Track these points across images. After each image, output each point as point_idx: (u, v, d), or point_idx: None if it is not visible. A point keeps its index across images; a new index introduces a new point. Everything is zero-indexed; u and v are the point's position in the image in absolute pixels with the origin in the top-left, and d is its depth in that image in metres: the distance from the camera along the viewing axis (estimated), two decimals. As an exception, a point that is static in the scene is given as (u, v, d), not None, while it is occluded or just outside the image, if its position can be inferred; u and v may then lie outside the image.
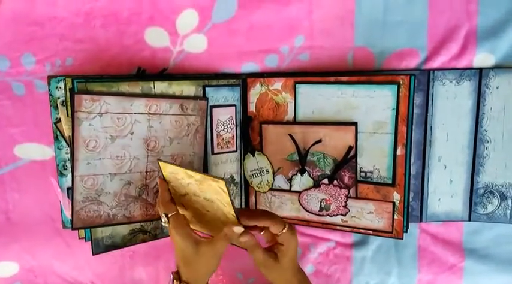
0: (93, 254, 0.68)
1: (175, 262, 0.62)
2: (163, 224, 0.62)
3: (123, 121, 0.64)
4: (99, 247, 0.68)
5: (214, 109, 0.72)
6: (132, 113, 0.65)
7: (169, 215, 0.61)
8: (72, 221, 0.64)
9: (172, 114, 0.68)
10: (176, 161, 0.69)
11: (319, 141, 0.71)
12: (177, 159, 0.69)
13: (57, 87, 0.68)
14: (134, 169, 0.66)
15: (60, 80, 0.68)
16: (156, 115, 0.66)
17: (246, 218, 0.58)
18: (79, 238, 0.70)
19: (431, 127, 0.73)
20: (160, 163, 0.61)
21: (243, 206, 0.79)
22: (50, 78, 0.68)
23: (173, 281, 0.60)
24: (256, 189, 0.77)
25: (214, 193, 0.57)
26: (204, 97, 0.70)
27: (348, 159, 0.71)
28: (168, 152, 0.68)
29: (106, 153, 0.64)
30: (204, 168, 0.73)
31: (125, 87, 0.64)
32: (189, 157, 0.70)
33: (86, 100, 0.62)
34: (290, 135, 0.73)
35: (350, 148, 0.70)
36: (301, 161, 0.73)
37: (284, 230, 0.59)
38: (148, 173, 0.67)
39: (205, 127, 0.71)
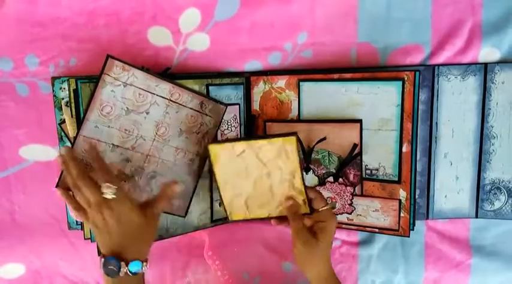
0: (98, 255, 0.68)
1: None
2: (108, 196, 0.57)
3: (143, 98, 0.64)
4: (105, 248, 0.68)
5: (218, 108, 0.72)
6: (154, 94, 0.65)
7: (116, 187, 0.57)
8: (59, 179, 0.62)
9: (190, 108, 0.68)
10: (178, 155, 0.69)
11: (324, 138, 0.71)
12: (180, 153, 0.69)
13: (61, 88, 0.69)
14: (137, 149, 0.66)
15: (64, 81, 0.68)
16: (175, 103, 0.67)
17: None
18: (85, 239, 0.70)
19: (436, 123, 0.72)
20: (211, 146, 0.63)
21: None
22: (53, 79, 0.68)
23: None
24: (261, 187, 0.77)
25: (276, 160, 0.63)
26: (224, 104, 0.71)
27: (353, 157, 0.70)
28: (173, 143, 0.68)
29: (117, 123, 0.64)
30: (208, 169, 0.73)
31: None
32: (192, 155, 0.70)
33: (117, 67, 0.62)
34: (294, 133, 0.72)
35: (355, 145, 0.70)
36: (306, 159, 0.73)
37: (325, 207, 0.64)
38: (148, 157, 0.67)
39: (216, 133, 0.72)
